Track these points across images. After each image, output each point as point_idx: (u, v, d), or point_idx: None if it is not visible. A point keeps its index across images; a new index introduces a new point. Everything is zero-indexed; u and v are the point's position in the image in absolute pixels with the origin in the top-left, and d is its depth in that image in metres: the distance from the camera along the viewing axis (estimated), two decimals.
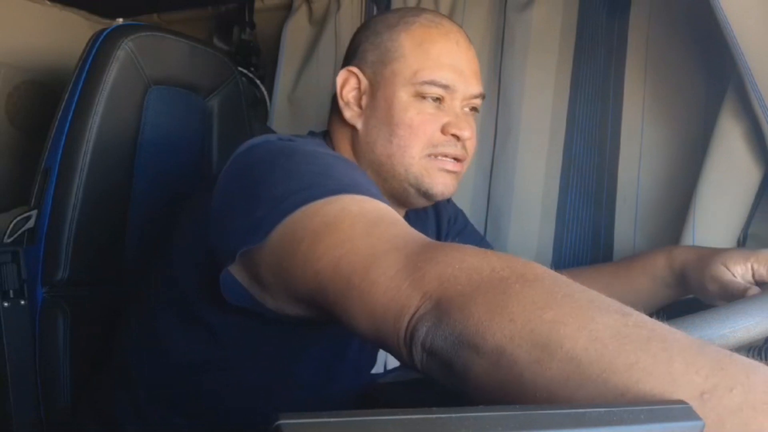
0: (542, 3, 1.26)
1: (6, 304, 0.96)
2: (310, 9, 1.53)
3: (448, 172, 0.85)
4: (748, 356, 0.89)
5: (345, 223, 0.56)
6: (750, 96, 0.90)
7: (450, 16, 1.36)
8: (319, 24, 1.51)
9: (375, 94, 0.85)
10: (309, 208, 0.59)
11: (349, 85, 0.87)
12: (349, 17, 1.48)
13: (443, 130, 0.83)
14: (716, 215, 0.98)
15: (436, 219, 1.06)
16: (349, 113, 0.86)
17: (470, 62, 0.86)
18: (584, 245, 1.23)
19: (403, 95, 0.83)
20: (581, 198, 1.23)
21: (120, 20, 1.73)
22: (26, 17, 1.53)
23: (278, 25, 1.57)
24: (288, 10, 1.56)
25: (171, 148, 1.10)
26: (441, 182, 0.85)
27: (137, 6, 1.72)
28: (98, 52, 0.99)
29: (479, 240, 1.12)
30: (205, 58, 1.16)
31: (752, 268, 0.75)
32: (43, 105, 1.52)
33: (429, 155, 0.84)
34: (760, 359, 0.95)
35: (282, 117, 1.54)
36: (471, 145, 0.87)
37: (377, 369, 0.90)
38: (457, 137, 0.84)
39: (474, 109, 0.88)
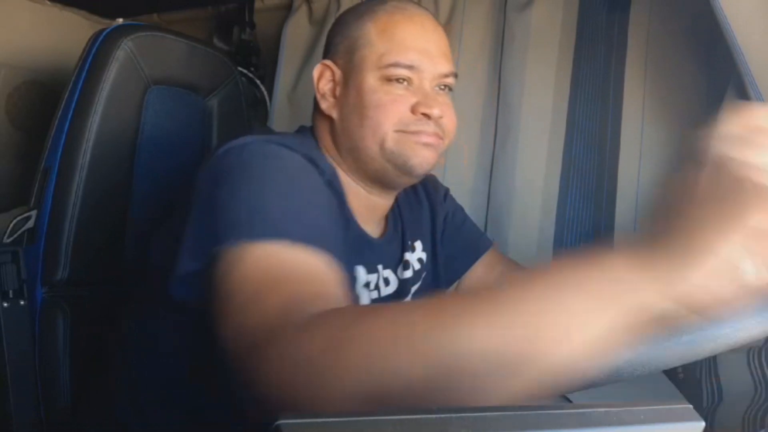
0: (542, 3, 1.26)
1: (5, 305, 0.96)
2: (310, 9, 1.53)
3: (425, 145, 0.85)
4: (748, 358, 0.89)
5: (252, 285, 0.59)
6: (750, 96, 0.90)
7: (450, 16, 1.36)
8: (319, 24, 1.51)
9: (347, 83, 0.86)
10: (233, 252, 0.62)
11: (324, 78, 0.88)
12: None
13: (413, 110, 0.84)
14: None
15: (431, 217, 1.05)
16: (325, 104, 0.88)
17: (437, 43, 0.87)
18: (584, 245, 1.23)
19: (371, 80, 0.84)
20: (581, 198, 1.23)
21: (120, 20, 1.73)
22: (26, 17, 1.53)
23: (278, 25, 1.57)
24: (288, 10, 1.56)
25: (171, 148, 1.10)
26: (418, 155, 0.85)
27: (137, 6, 1.72)
28: (98, 51, 0.99)
29: (478, 236, 1.11)
30: (204, 58, 1.16)
31: None
32: (44, 105, 1.52)
33: (402, 131, 0.84)
34: (761, 360, 0.96)
35: (282, 117, 1.54)
36: (448, 122, 0.87)
37: None
38: (427, 116, 0.84)
39: (447, 87, 0.88)
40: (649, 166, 1.17)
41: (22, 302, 0.96)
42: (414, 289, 0.98)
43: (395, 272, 0.95)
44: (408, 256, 0.98)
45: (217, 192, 0.69)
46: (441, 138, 0.86)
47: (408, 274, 0.97)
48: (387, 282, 0.94)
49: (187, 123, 1.14)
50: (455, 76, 0.89)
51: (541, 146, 1.26)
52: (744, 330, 0.60)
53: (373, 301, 0.91)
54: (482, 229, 1.30)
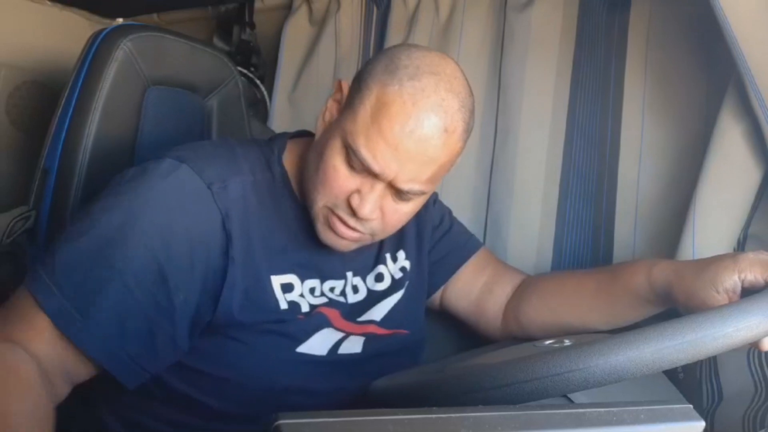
0: (542, 3, 1.26)
1: None
2: (310, 9, 1.53)
3: (339, 236, 0.82)
4: (748, 358, 0.90)
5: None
6: (750, 96, 0.90)
7: (450, 16, 1.36)
8: (319, 24, 1.51)
9: (336, 123, 0.82)
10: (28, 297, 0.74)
11: (334, 97, 0.85)
12: (349, 17, 1.48)
13: (348, 197, 0.79)
14: (716, 215, 0.98)
15: (417, 227, 1.03)
16: (321, 122, 0.85)
17: (417, 157, 0.76)
18: (584, 246, 1.23)
19: (337, 143, 0.79)
20: (581, 198, 1.23)
21: (120, 20, 1.72)
22: (26, 17, 1.53)
23: (278, 25, 1.57)
24: (288, 10, 1.56)
25: (170, 148, 1.10)
26: (329, 239, 0.83)
27: (137, 6, 1.72)
28: (97, 52, 0.99)
29: (465, 239, 1.10)
30: (204, 58, 1.16)
31: (740, 279, 0.75)
32: (44, 105, 1.52)
33: (329, 209, 0.81)
34: (761, 360, 0.96)
35: (282, 117, 1.54)
36: (381, 226, 0.82)
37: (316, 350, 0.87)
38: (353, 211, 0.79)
39: (401, 194, 0.80)
40: (649, 166, 1.16)
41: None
42: (398, 296, 0.97)
43: (365, 280, 0.95)
44: (382, 268, 0.97)
45: (88, 206, 0.80)
46: (363, 234, 0.82)
47: (381, 286, 0.96)
48: (356, 290, 0.93)
49: (187, 123, 1.14)
50: (422, 194, 0.81)
51: (541, 146, 1.26)
52: (747, 329, 0.60)
53: (341, 306, 0.90)
54: (482, 228, 1.30)
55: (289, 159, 0.90)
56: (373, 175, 0.77)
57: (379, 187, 0.78)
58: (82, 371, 0.75)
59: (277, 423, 0.29)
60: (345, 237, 0.82)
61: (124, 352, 0.75)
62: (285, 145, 0.92)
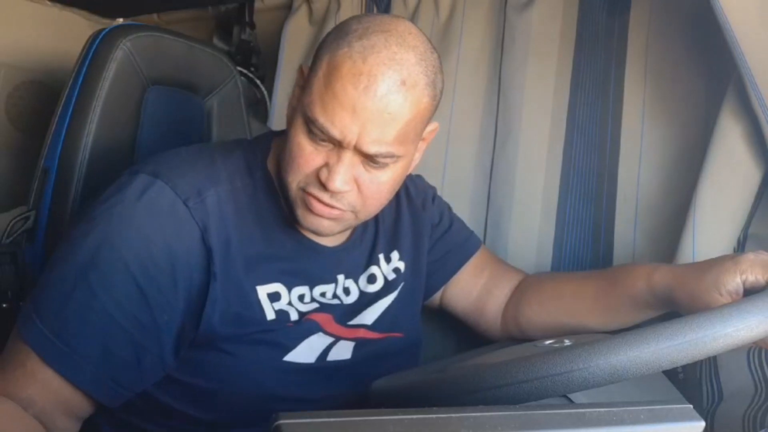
0: (542, 3, 1.26)
1: (5, 306, 0.96)
2: (310, 9, 1.53)
3: (317, 215, 0.79)
4: (748, 358, 0.90)
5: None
6: (750, 96, 0.90)
7: (450, 17, 1.36)
8: (319, 24, 1.51)
9: (298, 102, 0.80)
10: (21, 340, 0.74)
11: (298, 82, 0.83)
12: (349, 17, 1.48)
13: (317, 173, 0.76)
14: (716, 215, 0.98)
15: (413, 226, 1.02)
16: (289, 108, 0.83)
17: (376, 113, 0.72)
18: (584, 245, 1.23)
19: (299, 121, 0.77)
20: (581, 198, 1.23)
21: (120, 20, 1.72)
22: (26, 17, 1.53)
23: (278, 25, 1.57)
24: (288, 10, 1.56)
25: (170, 148, 1.09)
26: (309, 221, 0.80)
27: (137, 6, 1.72)
28: (96, 51, 0.99)
29: (465, 238, 1.10)
30: (203, 58, 1.16)
31: (742, 280, 0.75)
32: (44, 105, 1.52)
33: (302, 190, 0.78)
34: (761, 360, 0.96)
35: (282, 117, 1.54)
36: (359, 199, 0.78)
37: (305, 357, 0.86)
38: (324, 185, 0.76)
39: (371, 159, 0.76)
40: (649, 167, 1.16)
41: (21, 304, 0.96)
42: (391, 298, 0.96)
43: (357, 282, 0.93)
44: (374, 269, 0.95)
45: (69, 231, 0.80)
46: (343, 211, 0.79)
47: (373, 288, 0.94)
48: (347, 292, 0.92)
49: (187, 123, 1.14)
50: (391, 156, 0.76)
51: (541, 147, 1.26)
52: (747, 329, 0.60)
53: (335, 309, 0.88)
54: (482, 228, 1.30)
55: (273, 159, 0.88)
56: (337, 144, 0.74)
57: (347, 156, 0.75)
58: (84, 405, 0.75)
59: (277, 423, 0.29)
60: (323, 215, 0.78)
61: (110, 378, 0.74)
62: (269, 146, 0.90)
